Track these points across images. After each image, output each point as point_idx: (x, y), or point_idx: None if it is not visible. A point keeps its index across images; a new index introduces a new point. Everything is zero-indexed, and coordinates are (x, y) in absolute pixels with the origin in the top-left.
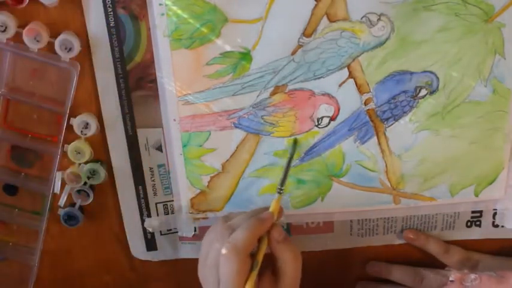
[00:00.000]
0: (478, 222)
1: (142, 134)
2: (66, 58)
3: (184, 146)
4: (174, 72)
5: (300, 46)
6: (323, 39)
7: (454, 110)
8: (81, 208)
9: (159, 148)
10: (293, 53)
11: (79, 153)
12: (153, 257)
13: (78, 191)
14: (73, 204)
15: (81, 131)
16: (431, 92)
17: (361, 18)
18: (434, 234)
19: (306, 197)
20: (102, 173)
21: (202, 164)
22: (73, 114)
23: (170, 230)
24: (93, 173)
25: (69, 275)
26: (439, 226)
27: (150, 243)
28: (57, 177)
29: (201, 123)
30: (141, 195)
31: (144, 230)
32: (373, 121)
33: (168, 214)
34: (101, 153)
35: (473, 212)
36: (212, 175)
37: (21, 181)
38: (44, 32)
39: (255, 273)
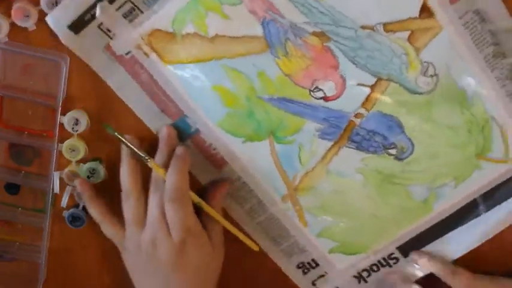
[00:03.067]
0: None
1: None
2: None
3: None
4: None
5: (373, 30)
6: (388, 42)
7: (392, 187)
8: (84, 208)
9: None
10: (365, 28)
11: (73, 150)
12: None
13: None
14: (76, 205)
15: (72, 128)
16: (397, 157)
17: (424, 61)
18: None
19: None
20: (102, 171)
21: None
22: (68, 108)
23: None
24: (92, 172)
25: (70, 275)
26: None
27: None
28: (55, 177)
29: None
30: None
31: None
32: (344, 132)
33: None
34: (96, 150)
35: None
36: None
37: (22, 179)
38: (32, 8)
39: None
